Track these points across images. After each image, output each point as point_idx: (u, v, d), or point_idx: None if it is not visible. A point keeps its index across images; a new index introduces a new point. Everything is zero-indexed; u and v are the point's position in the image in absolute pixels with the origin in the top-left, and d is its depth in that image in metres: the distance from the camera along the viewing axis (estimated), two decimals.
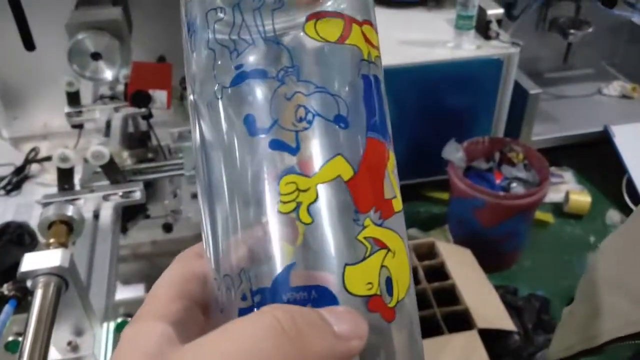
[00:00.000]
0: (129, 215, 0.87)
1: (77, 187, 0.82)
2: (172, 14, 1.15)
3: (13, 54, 1.14)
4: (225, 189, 0.22)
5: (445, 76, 1.49)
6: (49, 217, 0.66)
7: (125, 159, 0.87)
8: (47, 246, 0.63)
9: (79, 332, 0.62)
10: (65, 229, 0.65)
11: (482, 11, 1.82)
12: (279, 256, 0.21)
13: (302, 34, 0.22)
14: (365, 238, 0.21)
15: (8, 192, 1.11)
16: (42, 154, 1.20)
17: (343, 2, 0.23)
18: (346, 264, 0.21)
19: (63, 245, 0.63)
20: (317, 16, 0.22)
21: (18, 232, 0.94)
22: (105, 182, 0.82)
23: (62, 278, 0.58)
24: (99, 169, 0.81)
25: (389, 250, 0.22)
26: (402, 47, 1.95)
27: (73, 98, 0.95)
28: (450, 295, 1.36)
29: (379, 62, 0.25)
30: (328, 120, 0.22)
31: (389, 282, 0.22)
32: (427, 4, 2.17)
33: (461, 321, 1.21)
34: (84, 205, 0.79)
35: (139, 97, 0.85)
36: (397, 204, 0.23)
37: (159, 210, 0.97)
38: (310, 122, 0.22)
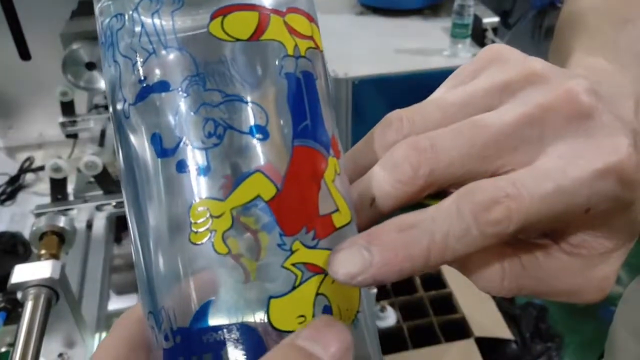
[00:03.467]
0: (123, 225, 0.87)
1: (71, 197, 0.82)
2: None
3: (8, 63, 1.14)
4: (143, 217, 0.20)
5: (441, 84, 1.49)
6: (40, 228, 0.66)
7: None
8: (39, 257, 0.63)
9: (70, 344, 0.62)
10: (57, 240, 0.65)
11: (477, 20, 1.83)
12: (195, 292, 0.18)
13: (208, 35, 0.19)
14: (293, 264, 0.19)
15: (2, 202, 1.11)
16: (37, 163, 1.20)
17: None
18: (270, 297, 0.18)
19: (54, 256, 0.63)
20: (224, 12, 0.19)
21: (12, 242, 0.94)
22: (99, 192, 0.82)
23: (53, 290, 0.58)
24: (92, 179, 0.81)
25: (327, 274, 0.19)
26: (398, 55, 1.95)
27: (67, 108, 0.95)
28: (447, 304, 1.36)
29: (314, 54, 0.21)
30: (241, 132, 0.19)
31: (327, 311, 0.19)
32: (423, 13, 2.18)
33: (458, 330, 1.20)
34: (77, 215, 0.79)
35: None
36: (341, 218, 0.20)
37: None
38: (220, 137, 0.19)
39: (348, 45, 2.08)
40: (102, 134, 0.95)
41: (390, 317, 1.19)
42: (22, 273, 0.58)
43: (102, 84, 0.92)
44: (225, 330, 0.18)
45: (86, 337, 0.63)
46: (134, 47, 0.19)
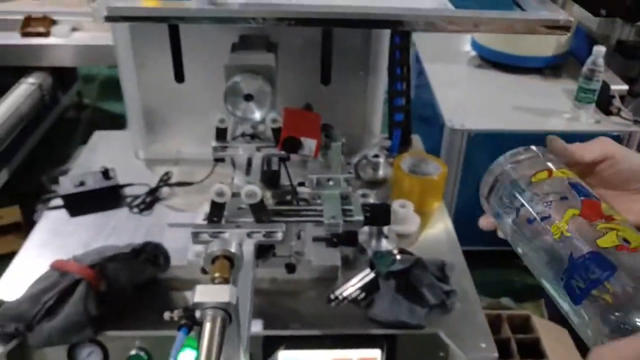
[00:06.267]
0: (259, 252, 0.90)
1: (223, 221, 0.86)
2: (315, 65, 1.21)
3: (163, 83, 1.23)
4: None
5: None
6: (214, 252, 0.70)
7: (268, 199, 0.91)
8: (212, 280, 0.67)
9: None
10: (228, 265, 0.69)
11: (605, 86, 1.79)
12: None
13: None
14: (601, 229, 0.45)
15: (141, 211, 1.19)
16: (173, 179, 1.28)
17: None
18: (596, 239, 0.44)
19: (226, 280, 0.66)
20: None
21: (154, 252, 1.00)
22: (250, 219, 0.86)
23: (228, 313, 0.61)
24: (244, 206, 0.86)
25: (617, 230, 0.44)
26: (515, 112, 1.94)
27: (221, 133, 1.01)
28: (534, 349, 1.31)
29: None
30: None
31: (625, 240, 0.43)
32: (543, 72, 2.16)
33: None
34: (229, 239, 0.83)
35: (290, 143, 0.90)
36: (608, 210, 0.48)
37: (284, 250, 1.00)
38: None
39: (465, 97, 2.09)
40: (249, 162, 1.00)
41: None
42: (204, 293, 0.62)
43: (257, 115, 0.98)
44: (585, 259, 0.44)
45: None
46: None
